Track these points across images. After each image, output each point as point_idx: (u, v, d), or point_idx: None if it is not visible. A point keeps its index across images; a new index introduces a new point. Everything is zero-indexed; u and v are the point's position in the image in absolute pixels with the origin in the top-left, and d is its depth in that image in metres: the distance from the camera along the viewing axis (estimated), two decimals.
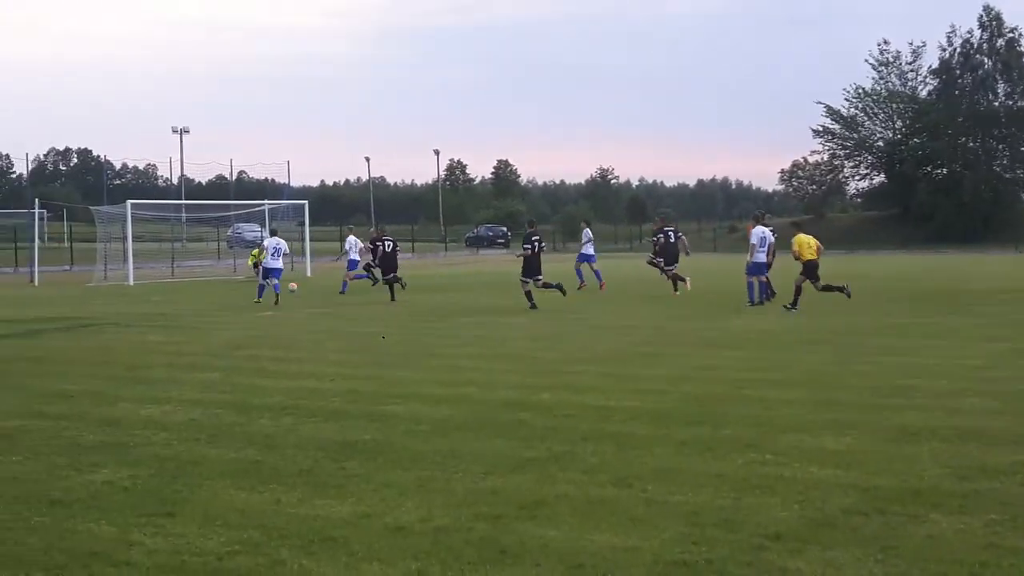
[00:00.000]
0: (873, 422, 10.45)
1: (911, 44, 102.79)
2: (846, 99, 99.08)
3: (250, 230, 64.71)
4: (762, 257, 25.42)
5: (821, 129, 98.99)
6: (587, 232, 34.31)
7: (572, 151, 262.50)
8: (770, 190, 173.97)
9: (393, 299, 28.04)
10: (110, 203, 48.31)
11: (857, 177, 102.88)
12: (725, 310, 24.32)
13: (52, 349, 17.72)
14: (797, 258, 24.12)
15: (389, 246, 29.10)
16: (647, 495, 7.83)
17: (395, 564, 6.35)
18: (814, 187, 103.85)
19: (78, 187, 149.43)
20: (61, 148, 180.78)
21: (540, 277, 25.75)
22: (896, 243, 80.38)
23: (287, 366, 15.23)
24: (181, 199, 59.32)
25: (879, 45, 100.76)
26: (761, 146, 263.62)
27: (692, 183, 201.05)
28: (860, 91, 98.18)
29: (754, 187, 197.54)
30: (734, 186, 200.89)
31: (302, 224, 48.94)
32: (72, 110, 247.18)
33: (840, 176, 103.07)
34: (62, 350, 17.56)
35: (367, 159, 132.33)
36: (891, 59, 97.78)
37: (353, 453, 9.32)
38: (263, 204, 50.63)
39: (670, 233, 30.35)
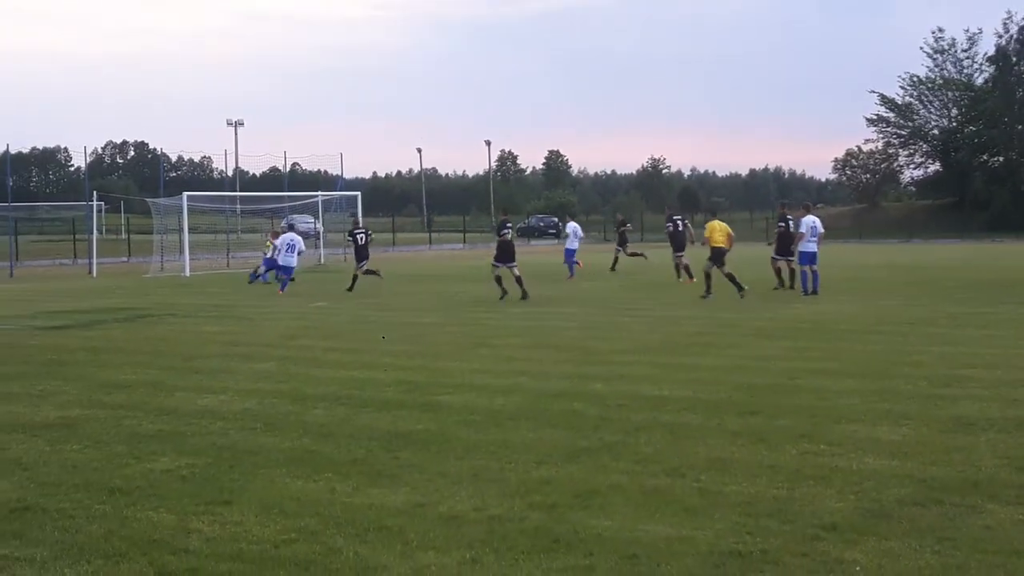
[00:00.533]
0: (929, 412, 10.37)
1: (967, 31, 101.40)
2: (901, 87, 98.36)
3: (303, 221, 65.12)
4: (813, 246, 25.36)
5: (875, 118, 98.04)
6: (571, 226, 36.04)
7: (623, 141, 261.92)
8: (823, 179, 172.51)
9: (351, 289, 28.65)
10: (166, 195, 48.57)
11: (912, 166, 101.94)
12: (777, 300, 24.16)
13: (111, 339, 17.95)
14: (705, 244, 25.44)
15: (362, 239, 29.89)
16: (701, 485, 7.83)
17: (449, 553, 6.40)
18: (868, 176, 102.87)
19: (135, 179, 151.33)
20: (118, 141, 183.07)
21: (515, 264, 26.03)
22: (951, 232, 79.37)
23: (340, 356, 15.33)
24: (236, 191, 59.79)
25: (934, 33, 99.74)
26: (814, 135, 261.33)
27: (744, 172, 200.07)
28: (915, 79, 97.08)
29: (807, 176, 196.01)
30: (787, 175, 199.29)
31: (354, 215, 49.13)
32: (129, 103, 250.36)
33: (895, 165, 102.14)
34: (121, 340, 17.78)
35: (419, 150, 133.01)
36: (946, 46, 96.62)
37: (407, 443, 9.38)
38: (316, 196, 50.87)
39: (678, 222, 31.53)
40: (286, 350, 16.13)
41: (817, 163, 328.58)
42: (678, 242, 31.01)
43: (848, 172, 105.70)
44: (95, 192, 48.63)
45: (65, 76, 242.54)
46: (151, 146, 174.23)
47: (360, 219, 34.42)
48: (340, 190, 52.82)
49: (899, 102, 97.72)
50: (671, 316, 20.71)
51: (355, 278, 29.35)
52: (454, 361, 14.60)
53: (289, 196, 53.76)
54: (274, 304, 25.38)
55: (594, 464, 8.51)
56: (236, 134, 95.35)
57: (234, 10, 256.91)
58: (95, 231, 42.61)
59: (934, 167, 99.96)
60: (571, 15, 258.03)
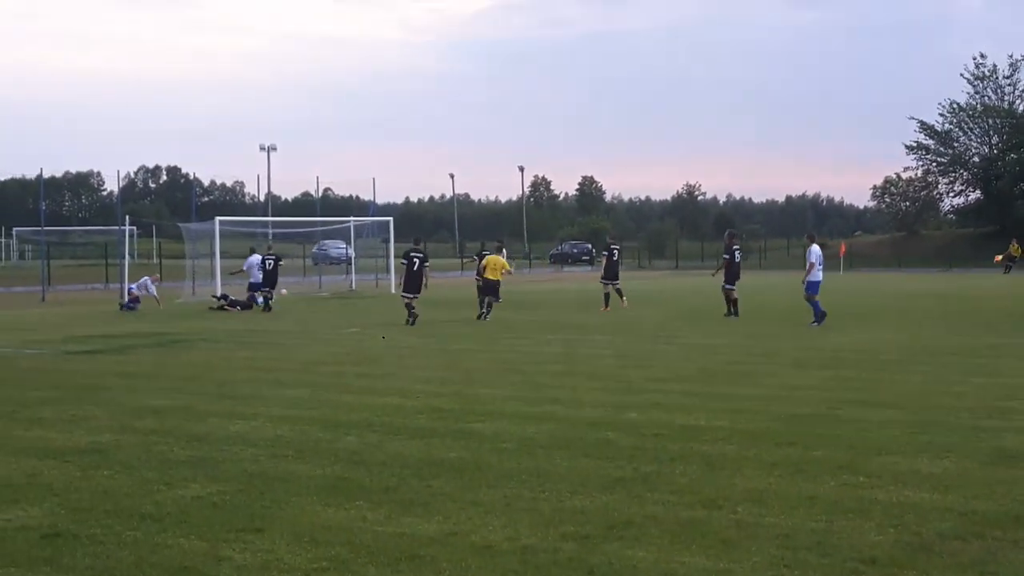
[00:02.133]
0: (970, 444, 10.19)
1: (1010, 57, 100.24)
2: (940, 114, 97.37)
3: (335, 247, 65.38)
4: (820, 275, 25.62)
5: (915, 145, 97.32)
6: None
7: (658, 167, 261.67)
8: (862, 206, 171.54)
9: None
10: (198, 220, 48.90)
11: (952, 194, 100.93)
12: (816, 330, 23.96)
13: (142, 365, 17.99)
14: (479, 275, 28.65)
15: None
16: (738, 517, 7.70)
17: None
18: (908, 204, 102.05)
19: (167, 204, 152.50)
20: (151, 166, 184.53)
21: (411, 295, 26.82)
22: (993, 261, 78.61)
23: (372, 383, 15.28)
24: (268, 215, 60.11)
25: (975, 59, 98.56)
26: (852, 162, 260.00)
27: (781, 199, 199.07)
28: (955, 106, 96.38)
29: (845, 203, 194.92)
30: (824, 202, 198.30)
31: (386, 241, 49.29)
32: (162, 128, 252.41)
33: (934, 192, 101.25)
34: (152, 366, 17.82)
35: (451, 175, 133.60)
36: (987, 73, 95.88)
37: (439, 471, 9.29)
38: (348, 221, 51.03)
39: (614, 251, 32.09)
40: (318, 376, 16.10)
41: (856, 190, 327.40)
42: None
43: (887, 200, 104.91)
44: (127, 216, 48.92)
45: (98, 100, 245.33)
46: (184, 170, 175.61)
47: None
48: (372, 215, 52.99)
49: (939, 129, 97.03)
50: (707, 344, 20.56)
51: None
52: (486, 388, 14.52)
53: (321, 221, 53.97)
54: (306, 330, 25.39)
55: (629, 494, 8.39)
56: (269, 159, 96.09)
57: (269, 34, 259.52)
58: (127, 256, 42.82)
59: (975, 195, 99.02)
60: (606, 40, 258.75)
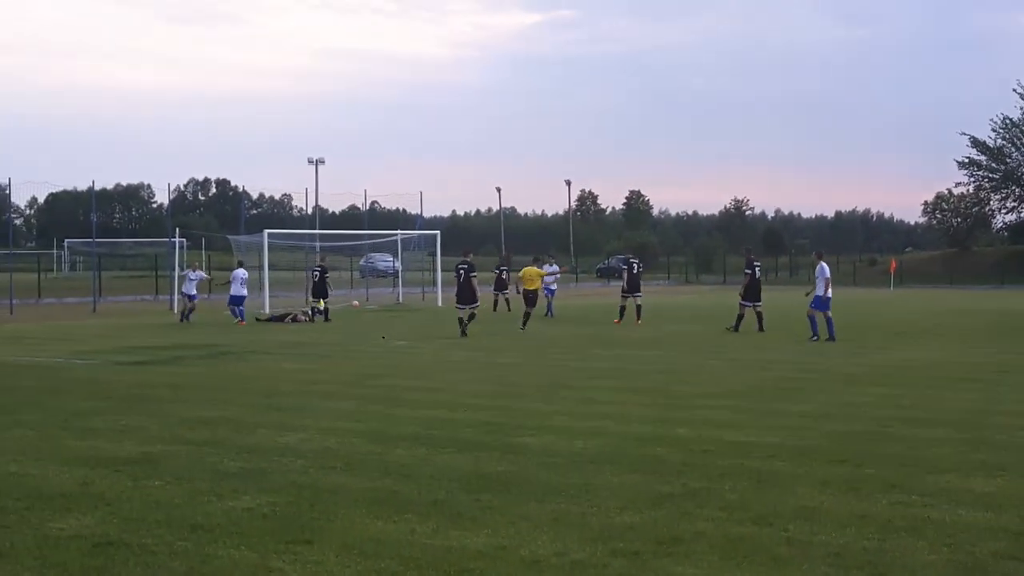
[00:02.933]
0: None
1: None
2: (993, 129, 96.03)
3: (382, 260, 65.63)
4: (830, 292, 25.86)
5: (966, 160, 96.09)
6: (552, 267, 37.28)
7: (706, 181, 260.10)
8: (912, 222, 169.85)
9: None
10: (247, 232, 49.25)
11: (1004, 210, 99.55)
12: (867, 345, 23.75)
13: (192, 376, 18.13)
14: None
15: (316, 276, 30.45)
16: (789, 534, 7.63)
17: None
18: (959, 220, 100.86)
19: (216, 216, 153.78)
20: (200, 178, 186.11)
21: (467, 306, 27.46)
22: None
23: (420, 396, 15.31)
24: (315, 228, 60.30)
25: None
26: (903, 177, 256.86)
27: (830, 214, 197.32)
28: (1007, 121, 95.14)
29: (895, 219, 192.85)
30: (874, 218, 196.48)
31: (433, 254, 49.38)
32: (211, 141, 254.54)
33: (986, 209, 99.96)
34: (201, 377, 17.95)
35: (498, 189, 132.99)
36: None
37: (487, 485, 9.28)
38: (395, 234, 51.20)
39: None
40: (365, 389, 16.14)
41: (906, 206, 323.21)
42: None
43: (938, 215, 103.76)
44: (177, 229, 49.36)
45: (148, 114, 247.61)
46: (233, 183, 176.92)
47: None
48: (419, 229, 53.15)
49: (991, 145, 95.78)
50: (757, 360, 20.42)
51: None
52: (534, 402, 14.50)
53: (368, 234, 54.18)
54: (354, 343, 25.49)
55: (678, 511, 8.34)
56: (317, 172, 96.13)
57: (316, 49, 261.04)
58: (177, 267, 43.17)
59: None
60: (654, 54, 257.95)
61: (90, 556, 7.16)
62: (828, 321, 25.20)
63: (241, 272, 35.14)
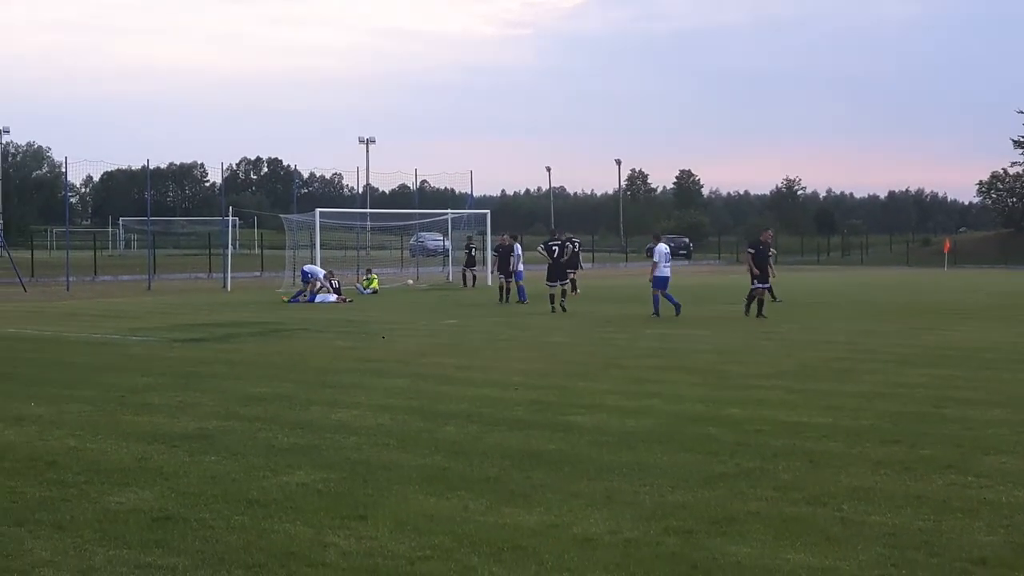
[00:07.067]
0: None
1: None
2: None
3: (432, 239, 65.76)
4: (666, 271, 26.29)
5: (1022, 139, 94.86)
6: (517, 247, 35.92)
7: (757, 160, 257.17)
8: (966, 202, 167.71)
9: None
10: (298, 211, 49.55)
11: None
12: (920, 326, 23.53)
13: (246, 353, 18.29)
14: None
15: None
16: (843, 514, 7.61)
17: None
18: (1014, 200, 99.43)
19: (268, 195, 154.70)
20: (252, 157, 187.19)
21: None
22: None
23: (471, 374, 15.36)
24: (366, 207, 60.61)
25: None
26: (957, 156, 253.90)
27: (883, 194, 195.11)
28: None
29: (949, 199, 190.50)
30: (928, 198, 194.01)
31: (483, 233, 49.42)
32: (263, 121, 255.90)
33: None
34: (255, 354, 18.10)
35: (548, 169, 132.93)
36: None
37: (539, 462, 9.31)
38: (445, 213, 51.29)
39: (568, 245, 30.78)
40: (418, 367, 16.22)
41: (960, 185, 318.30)
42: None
43: (993, 195, 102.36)
44: (230, 207, 49.73)
45: (201, 93, 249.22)
46: (284, 163, 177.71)
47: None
48: (469, 208, 53.19)
49: None
50: (808, 340, 20.28)
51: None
52: (584, 381, 14.51)
53: (419, 213, 54.34)
54: (405, 321, 25.61)
55: (731, 490, 8.34)
56: (367, 151, 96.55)
57: (368, 28, 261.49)
58: (230, 246, 43.50)
59: None
60: (705, 33, 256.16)
61: (149, 530, 7.27)
62: (668, 297, 26.03)
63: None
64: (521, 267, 34.31)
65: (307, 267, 35.42)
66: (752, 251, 26.70)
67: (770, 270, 26.52)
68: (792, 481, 8.62)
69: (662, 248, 27.01)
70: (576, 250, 32.41)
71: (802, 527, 7.30)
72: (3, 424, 11.29)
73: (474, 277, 42.27)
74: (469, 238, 46.07)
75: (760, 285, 25.93)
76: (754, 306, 25.73)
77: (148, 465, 9.30)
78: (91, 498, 8.13)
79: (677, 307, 25.82)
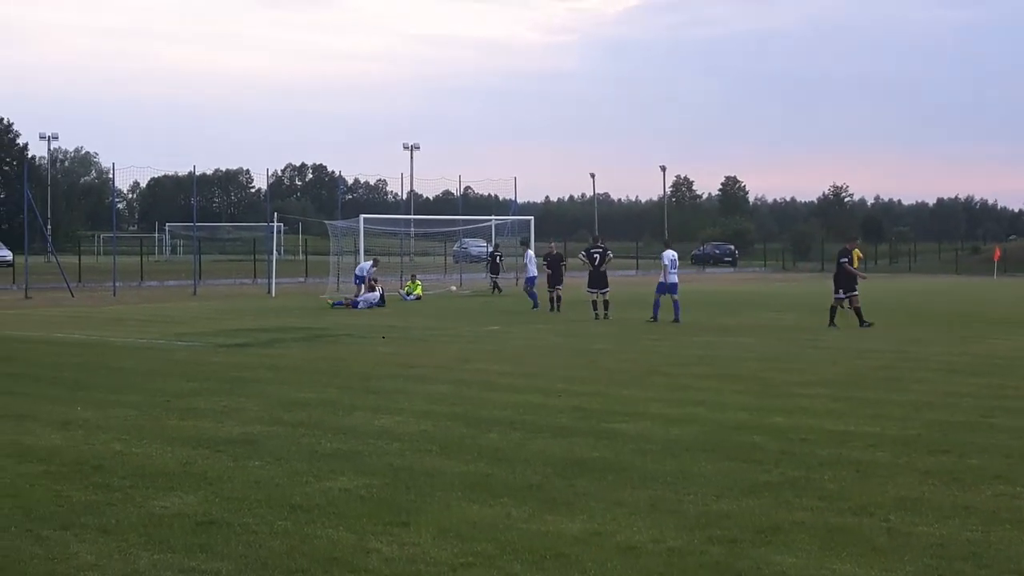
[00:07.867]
0: None
1: None
2: None
3: (476, 245, 65.84)
4: (674, 278, 26.86)
5: None
6: (529, 254, 37.03)
7: (804, 167, 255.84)
8: (1016, 209, 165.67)
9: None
10: (342, 217, 49.81)
11: None
12: (968, 335, 23.26)
13: (290, 358, 18.37)
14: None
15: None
16: (889, 525, 7.53)
17: None
18: None
19: (312, 201, 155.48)
20: (297, 164, 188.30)
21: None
22: None
23: (514, 380, 15.34)
24: (410, 214, 60.82)
25: None
26: (1007, 163, 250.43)
27: (932, 201, 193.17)
28: None
29: (999, 206, 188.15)
30: (977, 205, 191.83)
31: (527, 240, 49.43)
32: (308, 127, 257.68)
33: None
34: (299, 359, 18.18)
35: (592, 175, 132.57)
36: None
37: (582, 470, 9.28)
38: (489, 220, 51.32)
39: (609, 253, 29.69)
40: (460, 373, 16.22)
41: (1010, 192, 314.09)
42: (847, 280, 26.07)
43: None
44: (275, 213, 50.03)
45: (247, 100, 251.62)
46: (329, 169, 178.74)
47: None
48: (513, 214, 53.18)
49: None
50: (854, 348, 20.08)
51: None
52: (628, 389, 14.45)
53: (463, 220, 54.40)
54: (448, 327, 25.63)
55: (776, 499, 8.26)
56: (412, 157, 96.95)
57: (412, 35, 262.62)
58: (275, 252, 43.75)
59: None
60: (750, 39, 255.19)
61: (193, 534, 7.31)
62: (675, 305, 26.43)
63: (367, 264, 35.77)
64: (534, 272, 34.67)
65: (357, 268, 36.00)
66: (845, 260, 25.89)
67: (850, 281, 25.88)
68: (838, 491, 8.53)
69: (669, 254, 27.28)
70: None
71: (848, 537, 7.22)
72: (49, 428, 11.39)
73: (497, 285, 42.36)
74: (496, 245, 46.29)
75: (847, 294, 25.33)
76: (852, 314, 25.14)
77: (192, 470, 9.35)
78: (136, 502, 8.19)
79: (676, 313, 26.23)
